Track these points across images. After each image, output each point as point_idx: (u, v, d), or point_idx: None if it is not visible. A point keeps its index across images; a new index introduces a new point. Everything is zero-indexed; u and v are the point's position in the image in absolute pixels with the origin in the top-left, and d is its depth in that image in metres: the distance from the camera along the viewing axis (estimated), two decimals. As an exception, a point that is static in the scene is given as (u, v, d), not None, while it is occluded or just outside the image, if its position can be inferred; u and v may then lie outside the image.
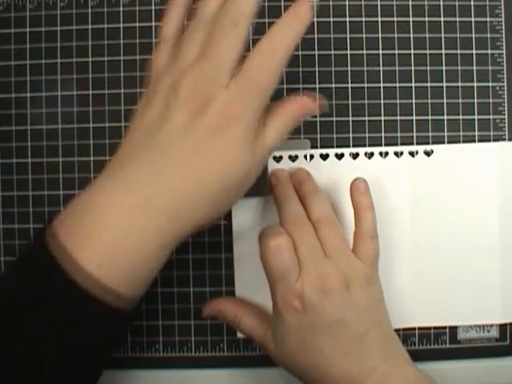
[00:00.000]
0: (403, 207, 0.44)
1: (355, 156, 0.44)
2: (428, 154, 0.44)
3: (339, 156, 0.44)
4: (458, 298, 0.44)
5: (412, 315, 0.44)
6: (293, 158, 0.44)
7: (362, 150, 0.44)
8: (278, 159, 0.44)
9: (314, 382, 0.38)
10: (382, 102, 0.44)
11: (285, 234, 0.37)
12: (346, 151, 0.44)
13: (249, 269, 0.43)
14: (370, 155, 0.44)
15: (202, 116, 0.32)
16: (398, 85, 0.44)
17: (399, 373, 0.37)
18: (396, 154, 0.44)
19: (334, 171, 0.44)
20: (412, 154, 0.44)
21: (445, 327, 0.44)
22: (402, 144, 0.44)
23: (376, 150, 0.44)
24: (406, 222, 0.44)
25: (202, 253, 0.45)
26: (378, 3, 0.44)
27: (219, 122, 0.32)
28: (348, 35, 0.44)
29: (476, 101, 0.45)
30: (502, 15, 0.45)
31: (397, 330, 0.40)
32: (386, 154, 0.44)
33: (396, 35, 0.44)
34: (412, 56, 0.44)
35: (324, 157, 0.44)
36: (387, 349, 0.38)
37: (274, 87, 0.34)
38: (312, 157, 0.44)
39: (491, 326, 0.44)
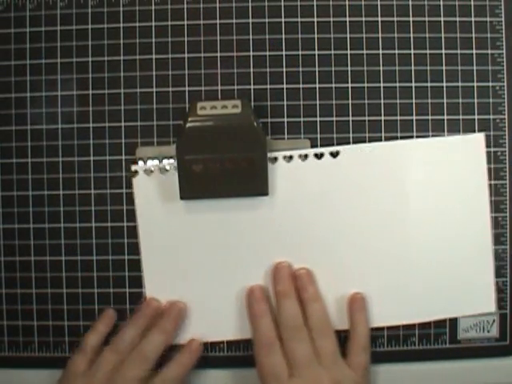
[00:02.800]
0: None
1: (336, 155, 0.44)
2: (334, 155, 0.44)
3: (319, 156, 0.44)
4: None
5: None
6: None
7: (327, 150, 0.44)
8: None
9: None
10: (382, 101, 0.44)
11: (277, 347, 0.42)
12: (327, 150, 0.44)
13: (158, 269, 0.44)
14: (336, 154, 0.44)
15: None
16: (397, 85, 0.44)
17: None
18: (332, 154, 0.44)
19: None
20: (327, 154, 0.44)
21: (445, 324, 0.44)
22: (402, 144, 0.44)
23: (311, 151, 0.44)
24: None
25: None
26: (378, 3, 0.44)
27: None
28: (348, 35, 0.44)
29: (476, 100, 0.44)
30: (502, 15, 0.45)
31: (397, 328, 0.39)
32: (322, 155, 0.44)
33: (396, 35, 0.44)
34: (412, 56, 0.44)
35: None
36: None
37: None
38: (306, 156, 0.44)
39: (491, 325, 0.44)
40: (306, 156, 0.44)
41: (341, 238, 0.44)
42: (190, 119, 0.40)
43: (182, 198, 0.41)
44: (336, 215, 0.44)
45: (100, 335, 0.44)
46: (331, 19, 0.44)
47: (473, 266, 0.44)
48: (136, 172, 0.44)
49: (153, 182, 0.44)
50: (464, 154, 0.44)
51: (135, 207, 0.44)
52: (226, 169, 0.41)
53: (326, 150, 0.44)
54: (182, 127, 0.40)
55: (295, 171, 0.44)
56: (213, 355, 0.45)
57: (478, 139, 0.44)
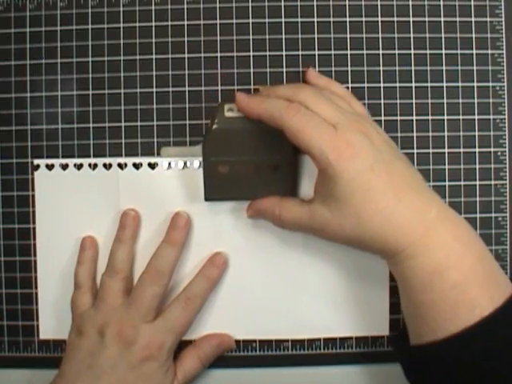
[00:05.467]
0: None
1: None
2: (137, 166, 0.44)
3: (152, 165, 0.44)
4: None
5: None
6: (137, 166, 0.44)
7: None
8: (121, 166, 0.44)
9: (377, 237, 0.36)
10: (382, 101, 0.44)
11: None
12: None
13: (53, 272, 0.44)
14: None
15: (125, 353, 0.39)
16: (398, 85, 0.44)
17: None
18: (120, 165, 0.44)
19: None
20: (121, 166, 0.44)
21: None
22: (402, 146, 0.44)
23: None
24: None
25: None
26: (378, 3, 0.44)
27: (139, 360, 0.40)
28: (348, 35, 0.44)
29: (476, 101, 0.45)
30: (502, 15, 0.45)
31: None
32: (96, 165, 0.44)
33: (396, 35, 0.44)
34: (412, 56, 0.44)
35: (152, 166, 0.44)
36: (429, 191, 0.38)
37: (187, 329, 0.42)
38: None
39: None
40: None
41: None
42: (216, 121, 0.40)
43: (206, 199, 0.41)
44: None
45: (88, 264, 0.43)
46: (331, 19, 0.44)
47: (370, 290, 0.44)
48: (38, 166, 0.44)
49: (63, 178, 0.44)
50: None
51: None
52: (251, 171, 0.41)
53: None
54: (208, 128, 0.40)
55: None
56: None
57: None
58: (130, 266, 0.43)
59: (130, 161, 0.44)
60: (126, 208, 0.44)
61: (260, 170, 0.41)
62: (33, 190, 0.44)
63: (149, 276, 0.41)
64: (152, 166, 0.44)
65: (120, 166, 0.44)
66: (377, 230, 0.36)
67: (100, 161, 0.44)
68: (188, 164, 0.44)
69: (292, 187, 0.42)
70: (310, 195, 0.40)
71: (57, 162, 0.44)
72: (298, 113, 0.36)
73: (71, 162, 0.44)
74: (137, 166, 0.44)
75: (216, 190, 0.41)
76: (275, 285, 0.44)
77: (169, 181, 0.44)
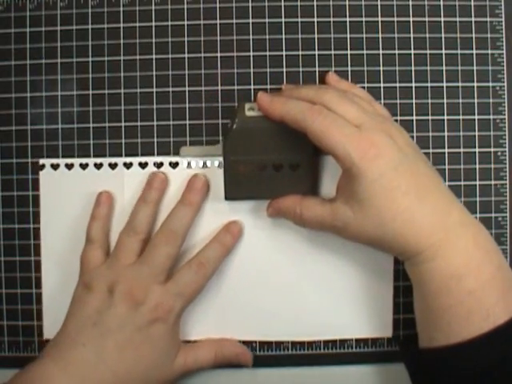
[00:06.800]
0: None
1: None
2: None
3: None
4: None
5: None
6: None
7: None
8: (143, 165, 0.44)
9: (398, 237, 0.36)
10: (383, 102, 0.44)
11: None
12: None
13: (57, 267, 0.44)
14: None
15: (133, 314, 0.39)
16: (398, 85, 0.44)
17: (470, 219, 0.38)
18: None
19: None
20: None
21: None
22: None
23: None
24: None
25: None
26: (378, 3, 0.44)
27: (147, 322, 0.39)
28: (348, 35, 0.44)
29: (476, 101, 0.44)
30: (502, 15, 0.45)
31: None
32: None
33: (396, 35, 0.44)
34: (412, 56, 0.44)
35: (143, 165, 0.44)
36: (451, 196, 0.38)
37: (197, 295, 0.42)
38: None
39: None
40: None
41: None
42: (237, 120, 0.40)
43: (226, 198, 0.41)
44: None
45: (102, 221, 0.43)
46: (331, 19, 0.44)
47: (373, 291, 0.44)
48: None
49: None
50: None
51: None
52: (272, 170, 0.41)
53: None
54: (229, 128, 0.40)
55: None
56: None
57: None
58: (149, 228, 0.42)
59: (135, 160, 0.44)
60: (131, 207, 0.43)
61: (280, 169, 0.41)
62: (33, 190, 0.44)
63: (163, 236, 0.41)
64: (158, 165, 0.44)
65: (126, 165, 0.44)
66: (398, 230, 0.36)
67: (105, 160, 0.44)
68: (208, 163, 0.44)
69: (312, 187, 0.42)
70: (331, 195, 0.40)
71: (62, 161, 0.44)
72: (321, 115, 0.36)
73: (76, 161, 0.44)
74: (143, 165, 0.44)
75: (236, 189, 0.41)
76: (280, 286, 0.44)
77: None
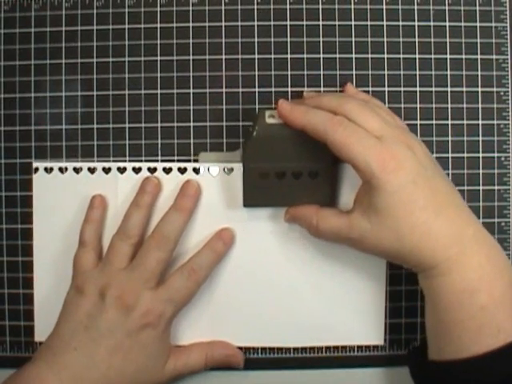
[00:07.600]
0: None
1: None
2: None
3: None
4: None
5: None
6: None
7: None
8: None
9: (415, 250, 0.36)
10: (387, 105, 0.44)
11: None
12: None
13: (49, 271, 0.44)
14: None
15: (124, 319, 0.39)
16: (402, 89, 0.44)
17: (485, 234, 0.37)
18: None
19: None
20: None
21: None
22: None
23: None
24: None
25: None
26: (384, 7, 0.44)
27: (137, 327, 0.39)
28: (353, 39, 0.44)
29: (480, 106, 0.45)
30: (507, 20, 0.45)
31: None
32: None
33: (401, 39, 0.44)
34: (417, 60, 0.44)
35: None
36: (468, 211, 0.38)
37: (189, 301, 0.42)
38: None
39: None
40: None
41: None
42: (257, 127, 0.40)
43: (245, 205, 0.41)
44: None
45: (95, 224, 0.43)
46: (336, 23, 0.44)
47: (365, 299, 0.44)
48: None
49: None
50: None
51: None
52: (291, 178, 0.40)
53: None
54: (249, 135, 0.40)
55: None
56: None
57: None
58: (142, 232, 0.42)
59: (129, 165, 0.44)
60: (124, 211, 0.43)
61: (300, 177, 0.40)
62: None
63: (154, 241, 0.41)
64: (151, 170, 0.44)
65: (119, 170, 0.44)
66: (415, 243, 0.36)
67: (99, 165, 0.44)
68: (226, 169, 0.44)
69: (331, 195, 0.42)
70: (348, 205, 0.40)
71: (56, 165, 0.44)
72: (341, 126, 0.36)
73: (70, 165, 0.44)
74: (136, 170, 0.44)
75: (255, 196, 0.41)
76: (273, 292, 0.44)
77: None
